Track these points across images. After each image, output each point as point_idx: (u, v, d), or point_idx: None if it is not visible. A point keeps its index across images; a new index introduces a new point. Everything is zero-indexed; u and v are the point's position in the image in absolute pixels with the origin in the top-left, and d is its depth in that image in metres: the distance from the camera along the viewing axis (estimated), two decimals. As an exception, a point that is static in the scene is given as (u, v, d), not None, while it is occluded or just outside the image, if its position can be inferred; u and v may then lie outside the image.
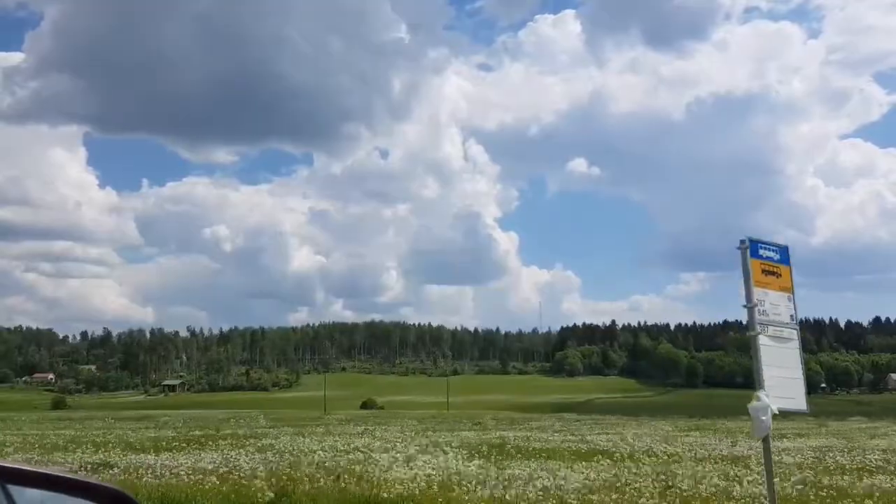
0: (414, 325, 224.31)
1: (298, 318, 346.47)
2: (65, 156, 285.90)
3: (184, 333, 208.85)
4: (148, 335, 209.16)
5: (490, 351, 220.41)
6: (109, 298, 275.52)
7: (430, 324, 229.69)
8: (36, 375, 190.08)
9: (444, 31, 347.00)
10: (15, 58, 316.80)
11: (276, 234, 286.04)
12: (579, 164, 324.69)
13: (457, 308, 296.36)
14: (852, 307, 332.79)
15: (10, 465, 1.98)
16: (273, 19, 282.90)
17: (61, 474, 2.10)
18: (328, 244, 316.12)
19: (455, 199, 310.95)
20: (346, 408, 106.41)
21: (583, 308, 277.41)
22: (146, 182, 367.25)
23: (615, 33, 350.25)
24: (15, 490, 2.02)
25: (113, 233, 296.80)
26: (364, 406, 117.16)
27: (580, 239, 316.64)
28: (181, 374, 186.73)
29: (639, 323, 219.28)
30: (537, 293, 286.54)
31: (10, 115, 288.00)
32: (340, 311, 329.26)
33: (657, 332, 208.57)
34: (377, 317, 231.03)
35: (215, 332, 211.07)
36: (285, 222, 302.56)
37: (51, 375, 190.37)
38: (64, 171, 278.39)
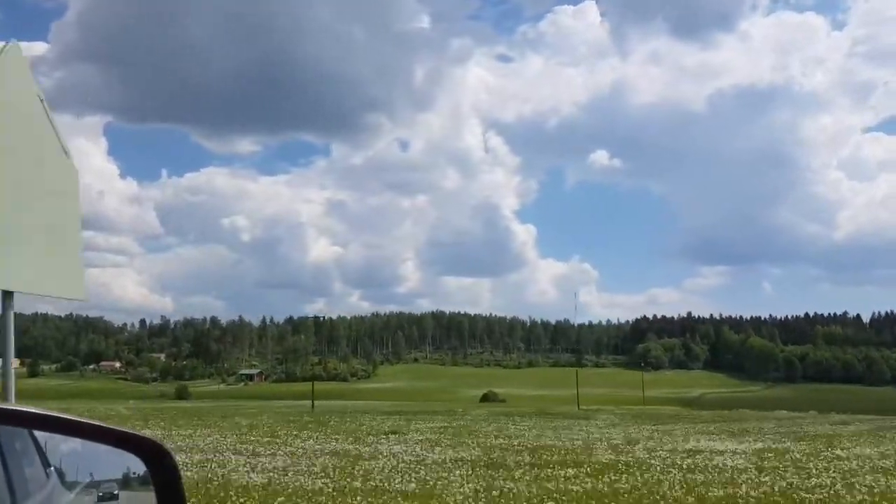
0: (483, 315, 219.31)
1: (315, 308, 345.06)
2: (87, 146, 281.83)
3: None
4: (209, 322, 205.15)
5: (559, 342, 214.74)
6: (129, 287, 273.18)
7: (493, 314, 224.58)
8: (103, 363, 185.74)
9: (468, 20, 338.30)
10: (40, 48, 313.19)
11: (294, 225, 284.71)
12: (600, 156, 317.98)
13: (475, 299, 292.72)
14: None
15: (37, 411, 1.77)
16: (296, 9, 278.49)
17: (94, 422, 1.88)
18: (346, 235, 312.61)
19: (474, 191, 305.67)
20: (457, 401, 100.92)
21: (599, 300, 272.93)
22: (165, 172, 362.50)
23: (639, 23, 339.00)
24: (44, 437, 1.85)
25: (133, 222, 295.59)
26: (485, 399, 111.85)
27: (598, 231, 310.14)
28: (254, 363, 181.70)
29: (711, 315, 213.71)
30: (554, 285, 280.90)
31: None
32: (357, 303, 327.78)
33: (736, 324, 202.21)
34: (395, 308, 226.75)
35: (281, 320, 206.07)
36: (303, 213, 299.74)
37: (118, 363, 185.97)
38: (87, 160, 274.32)
